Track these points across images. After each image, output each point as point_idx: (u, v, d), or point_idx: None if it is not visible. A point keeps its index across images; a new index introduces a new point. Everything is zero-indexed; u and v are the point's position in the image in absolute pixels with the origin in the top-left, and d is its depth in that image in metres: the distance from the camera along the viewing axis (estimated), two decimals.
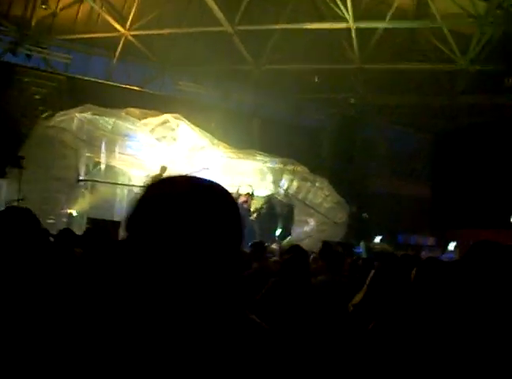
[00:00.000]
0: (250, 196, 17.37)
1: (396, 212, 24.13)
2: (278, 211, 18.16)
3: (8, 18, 19.77)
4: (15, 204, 14.13)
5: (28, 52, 19.65)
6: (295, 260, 5.13)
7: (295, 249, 5.68)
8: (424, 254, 16.39)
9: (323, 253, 7.47)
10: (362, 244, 17.80)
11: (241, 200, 17.56)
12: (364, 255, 15.78)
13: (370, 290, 4.60)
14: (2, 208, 11.69)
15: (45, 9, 19.38)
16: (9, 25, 19.81)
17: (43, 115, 18.96)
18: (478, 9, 18.08)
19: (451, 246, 20.56)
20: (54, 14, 20.01)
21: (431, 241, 21.98)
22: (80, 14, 20.43)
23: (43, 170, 15.31)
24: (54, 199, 15.09)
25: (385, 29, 20.32)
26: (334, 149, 24.97)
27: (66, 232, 8.01)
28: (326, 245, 7.78)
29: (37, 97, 19.56)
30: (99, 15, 20.35)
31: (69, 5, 20.10)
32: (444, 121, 25.08)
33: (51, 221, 14.33)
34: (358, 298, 4.75)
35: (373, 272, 4.76)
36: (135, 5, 20.11)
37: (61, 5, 19.86)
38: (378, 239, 20.14)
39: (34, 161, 14.97)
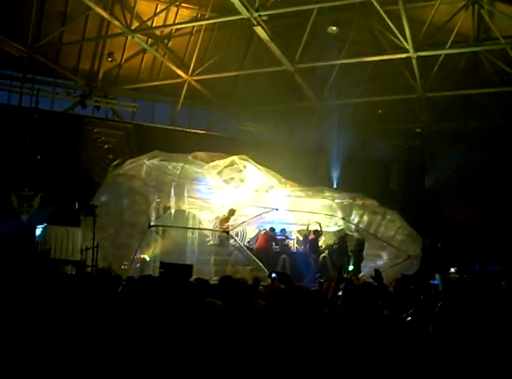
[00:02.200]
0: (319, 233, 17.23)
1: (472, 239, 23.45)
2: (350, 246, 17.90)
3: (77, 73, 20.60)
4: (90, 251, 14.49)
5: (97, 104, 20.39)
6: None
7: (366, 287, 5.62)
8: (504, 283, 15.76)
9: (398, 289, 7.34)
10: (437, 276, 17.28)
11: (310, 237, 17.43)
12: (440, 287, 15.31)
13: (437, 323, 4.45)
14: (78, 257, 12.03)
15: (111, 61, 20.11)
16: (78, 79, 20.62)
17: (113, 163, 19.51)
18: None
19: None
20: (119, 66, 20.74)
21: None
22: (144, 64, 21.10)
23: (115, 217, 15.63)
24: (126, 245, 15.31)
25: (447, 56, 20.05)
26: (403, 180, 24.61)
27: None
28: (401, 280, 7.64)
29: (106, 146, 20.20)
30: (162, 63, 20.92)
31: (134, 56, 20.76)
32: None
33: (125, 267, 14.54)
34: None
35: (440, 304, 4.61)
36: (196, 51, 20.60)
37: (125, 56, 20.56)
38: (453, 269, 19.53)
39: (106, 208, 15.32)
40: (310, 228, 17.57)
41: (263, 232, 16.96)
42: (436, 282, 17.03)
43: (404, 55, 19.14)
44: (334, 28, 18.84)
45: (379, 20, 18.73)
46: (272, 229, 17.14)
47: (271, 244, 16.84)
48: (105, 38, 20.04)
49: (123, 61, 20.74)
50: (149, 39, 20.09)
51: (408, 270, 16.66)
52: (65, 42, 19.98)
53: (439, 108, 23.27)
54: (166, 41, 20.70)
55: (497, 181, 26.62)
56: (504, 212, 25.79)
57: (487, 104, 23.64)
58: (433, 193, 24.55)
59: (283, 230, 17.91)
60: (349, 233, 17.67)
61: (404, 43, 18.35)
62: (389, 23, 17.96)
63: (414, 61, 19.19)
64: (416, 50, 18.56)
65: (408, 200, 23.19)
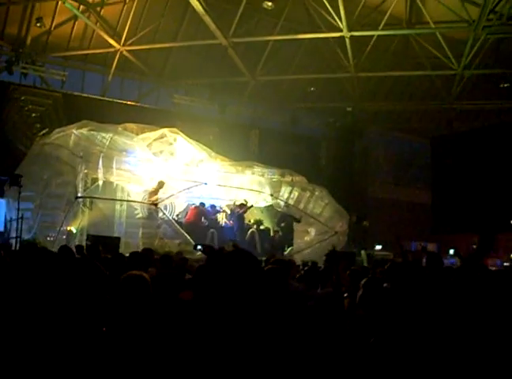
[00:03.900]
0: (246, 206, 17.34)
1: (396, 218, 24.12)
2: (278, 222, 18.16)
3: (3, 37, 19.81)
4: (14, 222, 14.14)
5: (24, 70, 19.67)
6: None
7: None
8: (425, 261, 16.27)
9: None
10: (363, 252, 17.72)
11: (236, 211, 17.51)
12: (365, 264, 15.72)
13: (363, 297, 4.55)
14: (2, 227, 11.66)
15: (40, 27, 19.35)
16: (4, 44, 19.84)
17: (41, 133, 18.99)
18: (471, 14, 18.09)
19: (452, 252, 20.41)
20: (48, 32, 20.02)
21: (431, 247, 21.87)
22: (74, 31, 20.43)
23: (41, 187, 15.26)
24: (52, 216, 15.03)
25: (379, 37, 20.35)
26: (333, 158, 25.01)
27: (65, 249, 8.03)
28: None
29: (34, 115, 19.60)
30: (93, 31, 20.35)
31: (64, 23, 20.09)
32: (440, 127, 25.10)
33: (51, 238, 14.27)
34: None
35: (364, 280, 4.72)
36: (129, 20, 20.12)
37: (55, 22, 19.86)
38: (378, 247, 20.04)
39: (32, 179, 14.93)
40: (236, 203, 17.69)
41: (193, 206, 16.97)
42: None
43: (337, 34, 19.33)
44: (270, 4, 18.81)
45: None
46: (203, 204, 17.19)
47: (200, 218, 16.88)
48: (34, 1, 19.28)
49: (53, 27, 20.00)
50: (81, 6, 19.48)
51: (334, 246, 16.96)
52: None
53: (370, 88, 23.67)
54: (98, 9, 20.05)
55: (424, 161, 27.42)
56: (430, 192, 26.61)
57: (416, 87, 24.23)
58: (361, 171, 25.06)
59: (213, 207, 17.94)
60: (278, 209, 17.89)
61: (339, 22, 18.52)
62: (325, 1, 18.08)
63: (347, 40, 19.41)
64: (350, 29, 18.76)
65: (337, 178, 23.62)
